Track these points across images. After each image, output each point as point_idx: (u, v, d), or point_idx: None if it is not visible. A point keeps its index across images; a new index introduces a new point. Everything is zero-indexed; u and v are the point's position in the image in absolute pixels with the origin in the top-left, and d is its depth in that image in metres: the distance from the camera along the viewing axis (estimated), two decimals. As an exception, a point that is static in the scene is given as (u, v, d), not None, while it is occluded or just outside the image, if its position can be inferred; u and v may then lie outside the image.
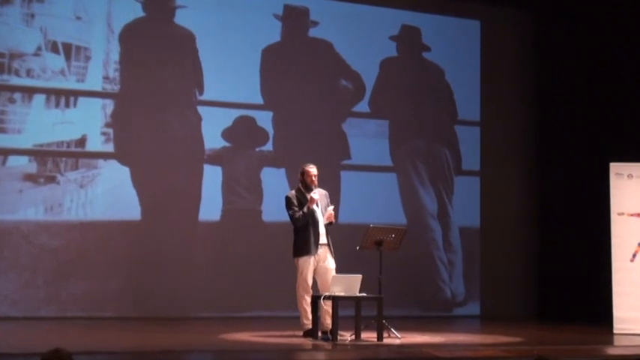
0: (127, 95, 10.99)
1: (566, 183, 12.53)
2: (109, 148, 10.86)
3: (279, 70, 11.83)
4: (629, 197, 9.75)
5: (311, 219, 8.29)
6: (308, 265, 8.32)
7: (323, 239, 8.36)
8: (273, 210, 10.79)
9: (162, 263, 10.95)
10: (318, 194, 8.32)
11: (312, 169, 8.39)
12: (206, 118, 11.34)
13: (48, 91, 10.61)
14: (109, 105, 10.91)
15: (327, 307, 8.05)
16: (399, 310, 11.43)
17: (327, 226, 8.42)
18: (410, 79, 12.65)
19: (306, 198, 8.33)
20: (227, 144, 11.46)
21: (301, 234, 8.34)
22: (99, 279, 10.66)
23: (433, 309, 12.39)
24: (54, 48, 10.61)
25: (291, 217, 8.32)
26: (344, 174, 12.06)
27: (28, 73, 10.53)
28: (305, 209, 8.25)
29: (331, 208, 8.41)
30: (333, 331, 7.97)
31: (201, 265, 11.20)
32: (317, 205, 8.34)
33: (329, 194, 8.59)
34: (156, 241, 10.95)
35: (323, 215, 8.37)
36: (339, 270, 8.39)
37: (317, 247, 8.31)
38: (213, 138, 11.36)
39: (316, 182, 8.39)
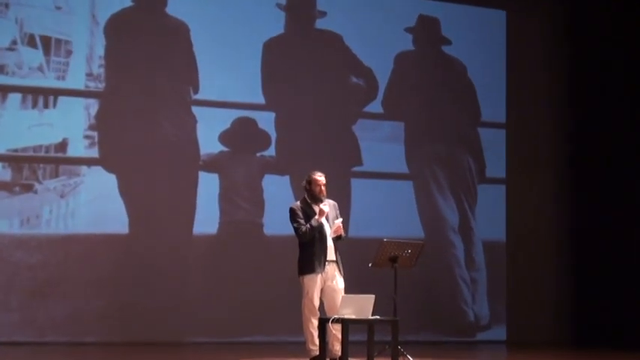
0: (113, 94, 11.00)
1: (604, 192, 12.51)
2: (93, 153, 10.86)
3: (282, 66, 11.84)
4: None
5: (318, 233, 8.26)
6: (314, 284, 8.28)
7: (331, 255, 8.32)
8: (276, 222, 10.83)
9: (153, 282, 10.94)
10: (328, 207, 8.30)
11: (321, 178, 8.36)
12: (201, 120, 11.34)
13: (24, 90, 10.60)
14: (93, 105, 10.91)
15: (335, 331, 8.02)
16: (416, 335, 11.46)
17: (336, 240, 8.39)
18: (428, 75, 12.65)
19: (312, 210, 8.30)
20: (225, 148, 11.46)
21: (307, 250, 8.29)
22: (81, 300, 10.66)
23: (454, 333, 12.38)
24: (31, 41, 10.61)
25: (296, 230, 8.27)
26: (354, 182, 12.06)
27: (2, 69, 10.53)
28: (313, 222, 8.22)
29: (340, 220, 8.36)
30: (343, 358, 7.91)
31: (196, 284, 11.19)
32: (326, 218, 8.31)
33: (337, 205, 8.56)
34: (145, 257, 10.95)
35: (331, 228, 8.33)
36: (348, 290, 8.35)
37: (324, 265, 8.27)
38: (209, 142, 11.36)
39: (325, 192, 8.36)
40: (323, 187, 8.32)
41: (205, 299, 11.16)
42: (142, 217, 10.99)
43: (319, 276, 8.29)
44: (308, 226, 8.22)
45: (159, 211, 11.06)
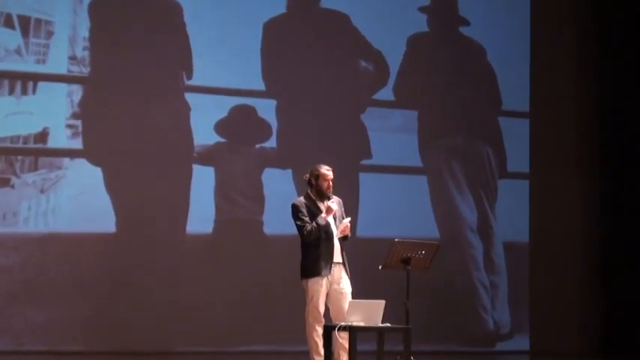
0: (99, 80, 11.00)
1: (638, 189, 12.51)
2: (77, 144, 10.85)
3: (284, 48, 11.84)
4: None
5: (324, 233, 8.25)
6: (319, 288, 8.28)
7: (338, 257, 8.33)
8: (277, 220, 10.81)
9: (142, 286, 10.94)
10: (336, 204, 8.30)
11: (329, 172, 8.34)
12: (195, 108, 11.35)
13: (0, 75, 10.59)
14: (77, 91, 10.91)
15: (342, 340, 8.02)
16: (431, 344, 11.43)
17: (342, 240, 8.40)
18: (444, 59, 12.63)
19: (317, 207, 8.30)
20: (221, 139, 11.47)
21: (311, 250, 8.28)
22: (63, 305, 10.64)
23: (472, 343, 12.40)
24: (8, 22, 10.61)
25: (300, 229, 8.25)
26: (363, 176, 12.07)
27: (-24, 52, 10.60)
28: (320, 220, 8.21)
29: (348, 220, 8.37)
30: (350, 370, 7.97)
31: (189, 288, 11.18)
32: (332, 216, 8.30)
33: (343, 201, 8.58)
34: (134, 258, 10.95)
35: (337, 228, 8.34)
36: (356, 295, 8.36)
37: (330, 267, 8.28)
38: (204, 132, 11.37)
39: (332, 188, 8.35)
40: (331, 183, 8.31)
41: (199, 304, 11.14)
42: (130, 214, 10.98)
43: (325, 279, 8.29)
44: (314, 224, 8.21)
45: (149, 208, 11.06)
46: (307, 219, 8.23)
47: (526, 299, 12.71)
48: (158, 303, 10.95)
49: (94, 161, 10.88)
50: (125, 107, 11.09)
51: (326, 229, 8.25)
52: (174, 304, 11.05)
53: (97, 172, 10.89)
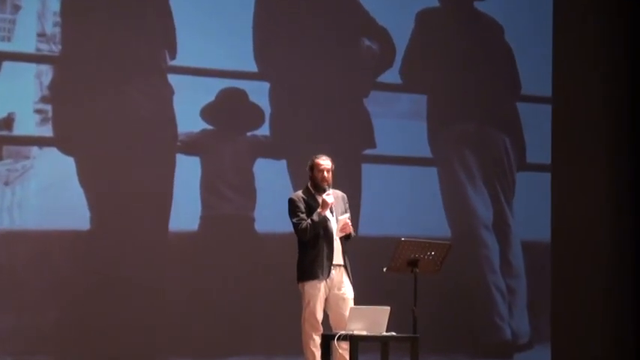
0: (72, 59, 10.95)
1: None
2: (46, 131, 10.81)
3: (279, 25, 11.84)
4: None
5: (323, 231, 8.35)
6: (317, 292, 8.43)
7: (338, 258, 8.46)
8: (271, 217, 10.91)
9: (119, 289, 10.92)
10: (332, 197, 8.38)
11: (325, 162, 8.48)
12: (180, 91, 11.32)
13: (-40, 54, 10.67)
14: (46, 72, 10.85)
15: (342, 350, 8.15)
16: (440, 355, 11.57)
17: (344, 240, 8.50)
18: (456, 38, 12.67)
19: (316, 202, 8.40)
20: (208, 126, 11.46)
21: (309, 251, 8.41)
22: (31, 310, 10.61)
23: (487, 354, 12.45)
24: (-33, -6, 10.68)
25: (296, 227, 8.39)
26: (366, 168, 12.10)
27: None
28: (315, 216, 8.32)
29: (346, 216, 8.48)
30: (352, 384, 8.04)
31: (172, 292, 11.18)
32: (331, 212, 8.41)
33: (347, 197, 8.67)
34: (110, 259, 10.92)
35: (338, 225, 8.46)
36: (358, 300, 8.47)
37: (330, 269, 8.42)
38: (189, 118, 11.36)
39: (330, 180, 8.46)
40: (326, 174, 8.43)
41: (183, 310, 11.14)
42: (106, 209, 10.95)
43: (323, 283, 8.42)
44: (309, 221, 8.30)
45: (127, 203, 11.03)
46: (304, 215, 8.35)
47: (547, 305, 12.75)
48: (137, 308, 10.93)
49: (66, 150, 10.83)
50: (101, 90, 11.02)
51: (324, 227, 8.31)
52: (155, 310, 11.03)
53: (69, 163, 10.83)
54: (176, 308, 11.12)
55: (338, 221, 8.42)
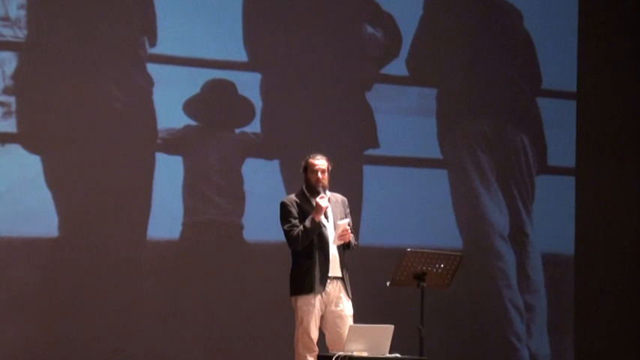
0: (39, 46, 10.95)
1: None
2: (10, 126, 10.78)
3: (271, 11, 11.82)
4: None
5: (318, 239, 8.38)
6: (312, 308, 8.45)
7: (335, 270, 8.49)
8: (261, 224, 10.98)
9: (91, 302, 10.92)
10: (327, 200, 8.41)
11: (319, 162, 8.52)
12: (160, 83, 11.31)
13: None
14: (10, 61, 10.83)
15: None
16: None
17: (342, 250, 8.51)
18: (470, 25, 12.68)
19: (312, 206, 8.44)
20: (191, 122, 11.46)
21: (302, 262, 8.44)
22: (-7, 325, 10.67)
23: None
24: None
25: (287, 234, 8.43)
26: (368, 170, 12.11)
27: None
28: (307, 223, 8.34)
29: (346, 221, 8.48)
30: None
31: (150, 306, 11.19)
32: (326, 218, 8.43)
33: (347, 201, 8.69)
34: (81, 268, 10.92)
35: (335, 232, 8.47)
36: (358, 317, 8.46)
37: (325, 282, 8.44)
38: (170, 113, 11.36)
39: (325, 182, 8.50)
40: (321, 175, 8.45)
41: (162, 326, 11.15)
42: (76, 214, 10.93)
43: (318, 297, 8.43)
44: (301, 228, 8.30)
45: (100, 207, 11.00)
46: (296, 221, 8.35)
47: (570, 324, 12.81)
48: (110, 325, 10.91)
49: (31, 148, 10.82)
50: (71, 81, 11.01)
51: (320, 235, 8.35)
52: (131, 327, 11.03)
53: (34, 162, 10.81)
54: (153, 323, 11.12)
55: (336, 227, 8.42)
